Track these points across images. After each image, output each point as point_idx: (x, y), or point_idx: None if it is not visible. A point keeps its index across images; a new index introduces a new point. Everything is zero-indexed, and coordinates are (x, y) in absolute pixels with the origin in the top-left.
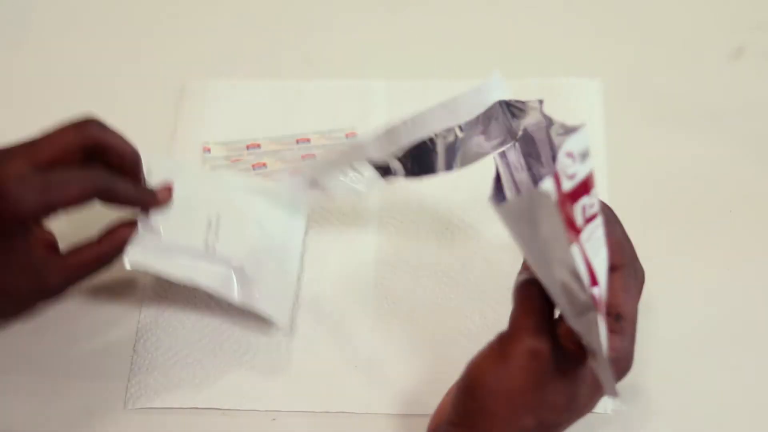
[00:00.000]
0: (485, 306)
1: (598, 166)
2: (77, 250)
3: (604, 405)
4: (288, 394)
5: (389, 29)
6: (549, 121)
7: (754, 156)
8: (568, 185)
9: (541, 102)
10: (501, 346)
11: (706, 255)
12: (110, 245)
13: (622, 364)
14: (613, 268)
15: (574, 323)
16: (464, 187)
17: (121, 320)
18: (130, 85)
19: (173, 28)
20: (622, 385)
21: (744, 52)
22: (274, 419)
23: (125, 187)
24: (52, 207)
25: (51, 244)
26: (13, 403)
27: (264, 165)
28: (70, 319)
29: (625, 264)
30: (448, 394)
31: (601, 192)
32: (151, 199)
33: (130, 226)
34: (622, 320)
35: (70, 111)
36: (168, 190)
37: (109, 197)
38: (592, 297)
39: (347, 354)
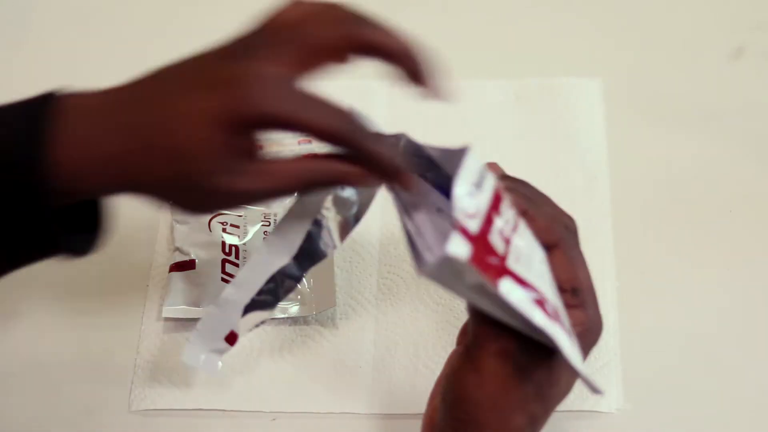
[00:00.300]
0: None
1: (599, 166)
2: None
3: (608, 404)
4: (290, 395)
5: None
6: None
7: (754, 156)
8: (474, 225)
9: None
10: (470, 357)
11: (706, 255)
12: (320, 171)
13: (593, 333)
14: (551, 247)
15: (538, 337)
16: None
17: (125, 322)
18: None
19: (174, 29)
20: (625, 385)
21: (744, 52)
22: (274, 419)
23: (377, 149)
24: (299, 119)
25: None
26: (15, 405)
27: None
28: (74, 320)
29: (561, 237)
30: (429, 403)
31: (603, 192)
32: (400, 176)
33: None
34: (579, 292)
35: None
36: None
37: (349, 141)
38: (546, 314)
39: (350, 355)
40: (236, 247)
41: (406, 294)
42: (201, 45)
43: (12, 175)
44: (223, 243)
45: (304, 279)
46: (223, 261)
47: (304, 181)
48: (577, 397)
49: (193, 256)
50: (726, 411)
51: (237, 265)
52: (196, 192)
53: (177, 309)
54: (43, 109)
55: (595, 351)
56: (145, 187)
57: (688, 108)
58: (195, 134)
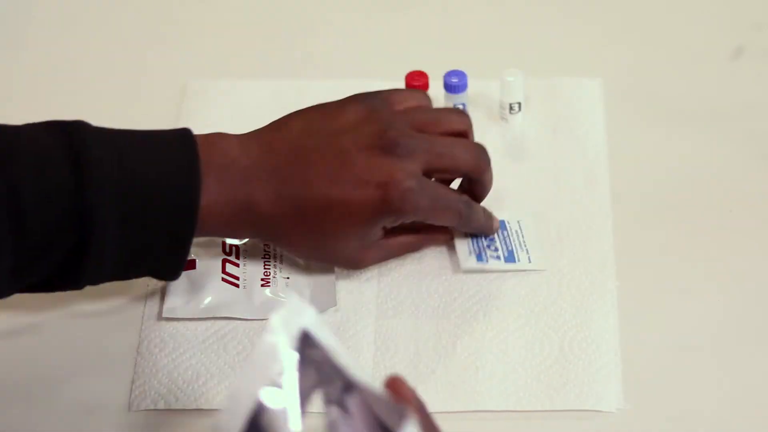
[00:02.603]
0: (488, 305)
1: (599, 166)
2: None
3: (608, 404)
4: None
5: (389, 29)
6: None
7: (754, 156)
8: None
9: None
10: None
11: (706, 255)
12: (425, 241)
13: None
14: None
15: None
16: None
17: (125, 322)
18: (131, 85)
19: (174, 28)
20: (625, 385)
21: (744, 52)
22: None
23: (479, 216)
24: (429, 216)
25: None
26: (15, 406)
27: None
28: (74, 321)
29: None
30: None
31: (603, 192)
32: (492, 226)
33: (445, 233)
34: None
35: (70, 111)
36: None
37: (463, 224)
38: None
39: (350, 354)
40: (236, 247)
41: (406, 294)
42: (199, 44)
43: (170, 213)
44: (224, 243)
45: (305, 279)
46: (224, 261)
47: (405, 252)
48: (577, 397)
49: (193, 256)
50: (726, 411)
51: (237, 265)
52: (325, 257)
53: (177, 309)
54: (193, 159)
55: (595, 351)
56: (275, 242)
57: (688, 108)
58: (347, 220)
